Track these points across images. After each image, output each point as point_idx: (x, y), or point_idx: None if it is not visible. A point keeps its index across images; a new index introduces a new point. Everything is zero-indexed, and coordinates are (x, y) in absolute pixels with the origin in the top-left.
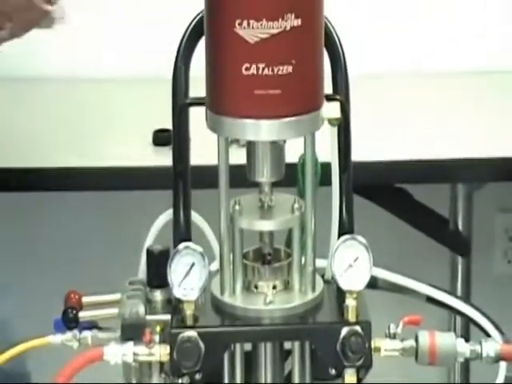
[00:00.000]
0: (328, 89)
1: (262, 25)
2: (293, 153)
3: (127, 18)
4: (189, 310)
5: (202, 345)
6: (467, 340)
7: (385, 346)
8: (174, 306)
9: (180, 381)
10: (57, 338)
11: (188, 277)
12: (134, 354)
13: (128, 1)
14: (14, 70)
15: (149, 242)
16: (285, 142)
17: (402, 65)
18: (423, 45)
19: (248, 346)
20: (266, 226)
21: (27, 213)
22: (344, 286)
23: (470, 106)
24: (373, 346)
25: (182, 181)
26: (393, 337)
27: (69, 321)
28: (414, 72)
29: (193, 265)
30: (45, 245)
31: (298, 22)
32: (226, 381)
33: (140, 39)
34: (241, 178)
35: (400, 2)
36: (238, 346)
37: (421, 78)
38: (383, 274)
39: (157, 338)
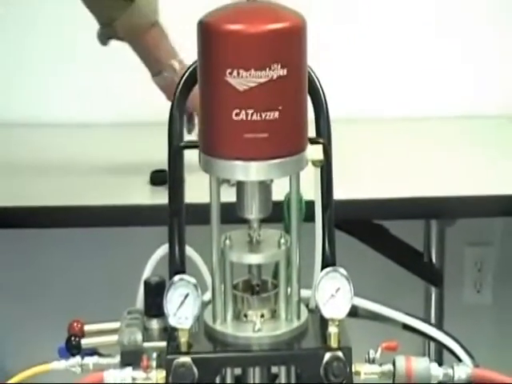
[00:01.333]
0: (312, 132)
1: (250, 74)
2: (279, 191)
3: (130, 70)
4: (183, 338)
5: (195, 370)
6: (440, 364)
7: (364, 370)
8: (169, 333)
9: None
10: (61, 364)
11: (182, 306)
12: (133, 379)
13: (130, 52)
14: (24, 115)
15: (146, 274)
16: (272, 181)
17: (379, 110)
18: (401, 92)
19: (238, 371)
20: (254, 259)
21: (36, 248)
22: (327, 314)
23: (442, 149)
24: (353, 370)
25: (177, 217)
26: (372, 361)
27: (72, 348)
28: (390, 117)
29: (187, 295)
30: (50, 278)
31: (283, 72)
32: None
33: (140, 88)
34: (231, 214)
35: (381, 51)
36: (228, 370)
37: (397, 122)
38: (363, 303)
39: (153, 363)
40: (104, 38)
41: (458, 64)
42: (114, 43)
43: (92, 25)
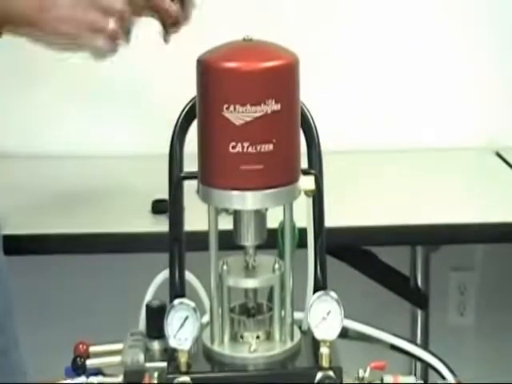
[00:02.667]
0: (304, 164)
1: (246, 109)
2: (273, 219)
3: (132, 103)
4: (183, 358)
5: None
6: (426, 382)
7: None
8: (169, 354)
9: None
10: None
11: (182, 329)
12: None
13: (133, 87)
14: (15, 148)
15: (148, 298)
16: (267, 210)
17: (367, 142)
18: (387, 125)
19: None
20: (250, 283)
21: (40, 274)
22: (318, 335)
23: (427, 179)
24: None
25: (177, 244)
26: (361, 380)
27: (77, 368)
28: (377, 149)
29: (186, 318)
30: (57, 302)
31: (277, 107)
32: None
33: (141, 121)
34: (228, 241)
35: (368, 87)
36: None
37: (384, 153)
38: (353, 325)
39: (155, 382)
40: None
41: (442, 97)
42: (118, 76)
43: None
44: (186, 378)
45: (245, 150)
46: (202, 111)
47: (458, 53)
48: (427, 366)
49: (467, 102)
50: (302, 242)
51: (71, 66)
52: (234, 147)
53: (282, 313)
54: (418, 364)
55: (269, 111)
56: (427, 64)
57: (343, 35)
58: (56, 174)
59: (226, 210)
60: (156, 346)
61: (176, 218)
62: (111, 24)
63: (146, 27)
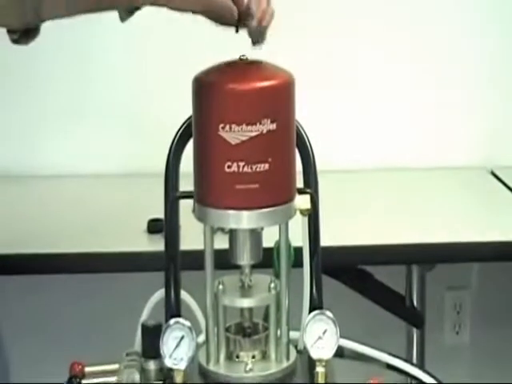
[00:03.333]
0: (299, 183)
1: (242, 128)
2: (269, 239)
3: (128, 122)
4: (179, 378)
5: None
6: None
7: None
8: (165, 374)
9: None
10: None
11: (178, 348)
12: None
13: (128, 105)
14: (13, 168)
15: (143, 317)
16: (262, 229)
17: (362, 161)
18: (382, 144)
19: None
20: (245, 303)
21: (38, 294)
22: (314, 355)
23: (423, 198)
24: None
25: (173, 264)
26: None
27: None
28: (372, 168)
29: (182, 338)
30: (54, 322)
31: (273, 126)
32: None
33: (137, 140)
34: (224, 260)
35: (360, 108)
36: None
37: (379, 172)
38: (349, 344)
39: None
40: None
41: (438, 115)
42: (113, 94)
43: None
44: None
45: (240, 169)
46: (198, 130)
47: (451, 72)
48: None
49: (462, 121)
50: (297, 261)
51: (65, 84)
52: (229, 166)
53: (278, 332)
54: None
55: (264, 131)
56: (422, 83)
57: (337, 54)
58: (49, 193)
59: (222, 229)
60: (152, 365)
61: (172, 238)
62: None
63: (141, 45)
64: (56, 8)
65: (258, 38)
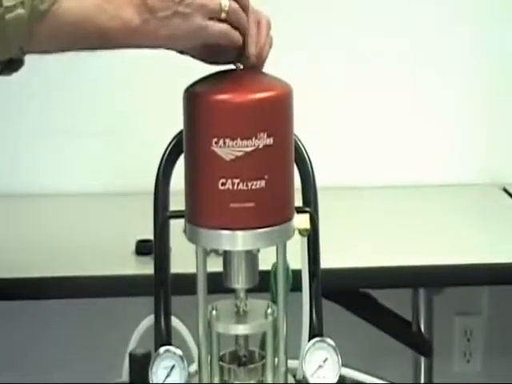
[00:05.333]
0: (298, 201)
1: (236, 143)
2: (266, 261)
3: (116, 140)
4: None
5: None
6: None
7: None
8: None
9: None
10: None
11: (168, 378)
12: None
13: (115, 120)
14: (3, 186)
15: (132, 345)
16: (258, 250)
17: (365, 178)
18: (387, 160)
19: None
20: (241, 330)
21: (19, 320)
22: None
23: (429, 217)
24: None
25: (163, 288)
26: None
27: None
28: (377, 185)
29: (173, 367)
30: (34, 351)
31: (269, 141)
32: None
33: (125, 156)
34: (218, 284)
35: (364, 120)
36: None
37: (384, 190)
38: (351, 373)
39: None
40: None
41: (447, 131)
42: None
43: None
44: None
45: (235, 186)
46: (190, 146)
47: (459, 85)
48: None
49: (470, 136)
50: (296, 285)
51: (50, 101)
52: (223, 184)
53: (276, 361)
54: None
55: (260, 145)
56: (428, 98)
57: (337, 67)
58: (31, 213)
59: (216, 251)
60: None
61: (161, 260)
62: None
63: (128, 60)
64: (42, 45)
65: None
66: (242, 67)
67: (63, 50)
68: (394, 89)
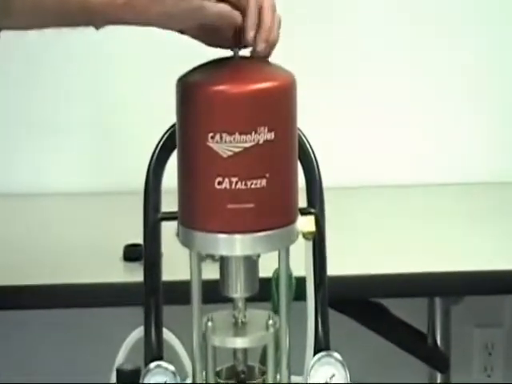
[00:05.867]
0: (302, 202)
1: (234, 138)
2: (267, 267)
3: (101, 136)
4: None
5: None
6: None
7: None
8: None
9: None
10: None
11: None
12: None
13: (99, 115)
14: None
15: (119, 360)
16: (258, 256)
17: (376, 177)
18: (398, 158)
19: None
20: (239, 343)
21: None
22: None
23: (444, 219)
24: None
25: (154, 297)
26: None
27: None
28: (388, 184)
29: None
30: (19, 360)
31: (271, 136)
32: None
33: (111, 153)
34: (214, 293)
35: (372, 115)
36: None
37: (396, 190)
38: None
39: None
40: None
41: (456, 126)
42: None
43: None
44: None
45: (233, 186)
46: (183, 141)
47: (464, 86)
48: None
49: (483, 129)
50: (300, 294)
51: (35, 99)
52: (220, 183)
53: (277, 377)
54: None
55: (261, 141)
56: (429, 98)
57: (345, 60)
58: (12, 214)
59: (212, 257)
60: None
61: (152, 266)
62: None
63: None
64: (20, 20)
65: (264, 54)
66: (239, 54)
67: (44, 27)
68: (402, 84)
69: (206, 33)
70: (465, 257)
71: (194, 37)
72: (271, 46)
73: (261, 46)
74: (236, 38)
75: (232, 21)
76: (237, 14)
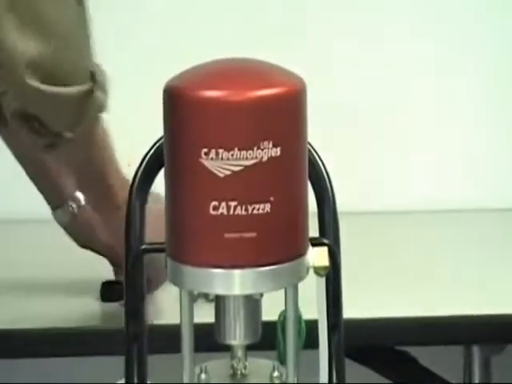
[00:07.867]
0: (314, 230)
1: (233, 155)
2: (271, 309)
3: None
4: None
5: None
6: None
7: None
8: None
9: None
10: None
11: None
12: None
13: None
14: None
15: None
16: (261, 295)
17: (395, 201)
18: (421, 180)
19: None
20: None
21: None
22: None
23: (479, 249)
24: None
25: (137, 344)
26: None
27: None
28: (409, 209)
29: None
30: None
31: (276, 152)
32: None
33: None
34: (208, 339)
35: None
36: None
37: (421, 215)
38: None
39: None
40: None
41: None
42: None
43: None
44: None
45: (231, 211)
46: (172, 158)
47: (479, 111)
48: None
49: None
50: (310, 340)
51: None
52: (216, 208)
53: None
54: None
55: (264, 158)
56: (438, 121)
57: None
58: None
59: (205, 296)
60: None
61: (134, 307)
62: None
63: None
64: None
65: None
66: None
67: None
68: (408, 108)
69: None
70: (507, 297)
71: None
72: None
73: None
74: None
75: None
76: None
